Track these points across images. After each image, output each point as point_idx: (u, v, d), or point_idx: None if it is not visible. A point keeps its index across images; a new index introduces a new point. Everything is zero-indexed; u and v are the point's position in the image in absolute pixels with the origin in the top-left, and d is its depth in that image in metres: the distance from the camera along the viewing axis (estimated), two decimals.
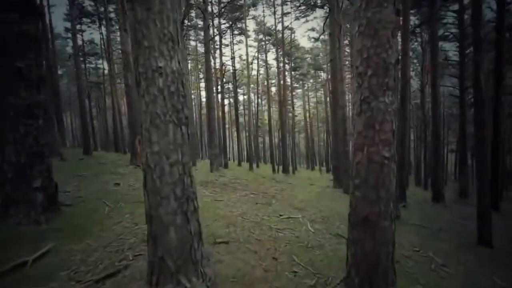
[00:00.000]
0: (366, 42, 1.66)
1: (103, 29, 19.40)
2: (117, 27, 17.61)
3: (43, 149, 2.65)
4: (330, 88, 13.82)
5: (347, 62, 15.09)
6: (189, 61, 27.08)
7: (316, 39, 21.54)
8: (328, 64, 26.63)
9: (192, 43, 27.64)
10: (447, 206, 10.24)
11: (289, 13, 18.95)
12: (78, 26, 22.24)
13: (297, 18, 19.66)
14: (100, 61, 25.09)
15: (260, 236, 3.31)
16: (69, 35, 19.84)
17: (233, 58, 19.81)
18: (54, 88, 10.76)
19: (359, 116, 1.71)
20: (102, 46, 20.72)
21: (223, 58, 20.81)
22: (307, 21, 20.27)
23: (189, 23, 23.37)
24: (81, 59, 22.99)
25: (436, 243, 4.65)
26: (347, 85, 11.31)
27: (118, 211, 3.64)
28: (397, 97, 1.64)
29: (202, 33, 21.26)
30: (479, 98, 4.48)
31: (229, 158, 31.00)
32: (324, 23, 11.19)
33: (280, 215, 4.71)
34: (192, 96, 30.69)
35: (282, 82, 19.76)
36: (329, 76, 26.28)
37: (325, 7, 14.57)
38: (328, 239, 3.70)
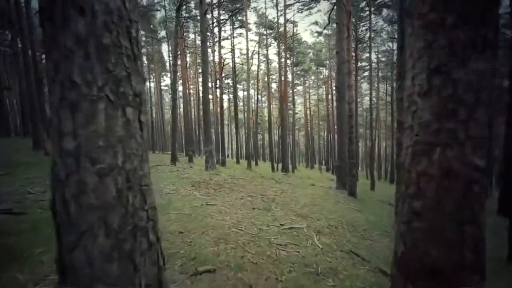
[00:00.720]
0: None
1: None
2: None
3: None
4: (335, 83, 13.09)
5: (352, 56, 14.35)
6: (188, 54, 26.24)
7: (320, 33, 20.71)
8: (331, 60, 25.88)
9: (191, 35, 26.75)
10: None
11: (292, 4, 18.08)
12: None
13: (300, 11, 18.82)
14: None
15: (257, 257, 2.63)
16: None
17: (232, 50, 18.96)
18: (39, 77, 9.98)
19: (427, 97, 1.01)
20: None
21: (223, 51, 19.99)
22: (310, 14, 19.41)
23: (187, 14, 22.52)
24: None
25: None
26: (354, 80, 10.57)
27: None
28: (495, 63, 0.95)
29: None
30: None
31: (228, 155, 30.36)
32: (330, 12, 10.42)
33: (281, 225, 4.03)
34: (191, 91, 29.91)
35: (283, 77, 18.97)
36: (334, 70, 25.50)
37: None
38: (340, 258, 3.03)
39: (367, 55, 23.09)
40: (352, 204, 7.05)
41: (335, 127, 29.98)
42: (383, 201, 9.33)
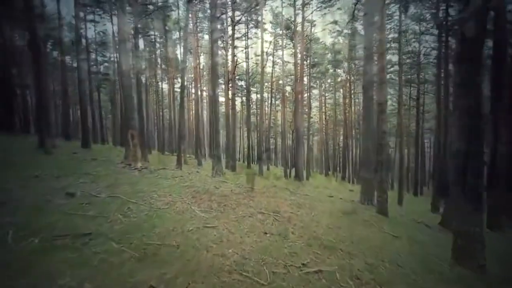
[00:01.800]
0: None
1: (115, 19, 18.53)
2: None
3: None
4: (362, 82, 11.80)
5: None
6: (202, 56, 25.77)
7: (340, 32, 19.41)
8: (350, 62, 24.39)
9: (206, 36, 26.31)
10: (506, 237, 8.02)
11: (310, 1, 16.95)
12: (91, 16, 21.58)
13: (319, 9, 17.66)
14: (115, 55, 24.23)
15: None
16: (83, 26, 19.05)
17: (246, 47, 18.08)
18: (41, 76, 9.55)
19: None
20: (116, 38, 19.81)
21: (236, 51, 19.16)
22: (329, 11, 18.16)
23: (202, 15, 22.06)
24: (91, 50, 22.31)
25: None
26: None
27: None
28: None
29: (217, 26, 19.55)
30: None
31: (239, 158, 29.44)
32: (356, 3, 9.24)
33: (303, 265, 2.90)
34: (204, 93, 29.43)
35: (298, 80, 17.78)
36: (353, 72, 23.95)
37: None
38: None
39: (388, 57, 21.47)
40: (385, 227, 5.75)
41: (353, 132, 28.19)
42: (417, 221, 7.89)
